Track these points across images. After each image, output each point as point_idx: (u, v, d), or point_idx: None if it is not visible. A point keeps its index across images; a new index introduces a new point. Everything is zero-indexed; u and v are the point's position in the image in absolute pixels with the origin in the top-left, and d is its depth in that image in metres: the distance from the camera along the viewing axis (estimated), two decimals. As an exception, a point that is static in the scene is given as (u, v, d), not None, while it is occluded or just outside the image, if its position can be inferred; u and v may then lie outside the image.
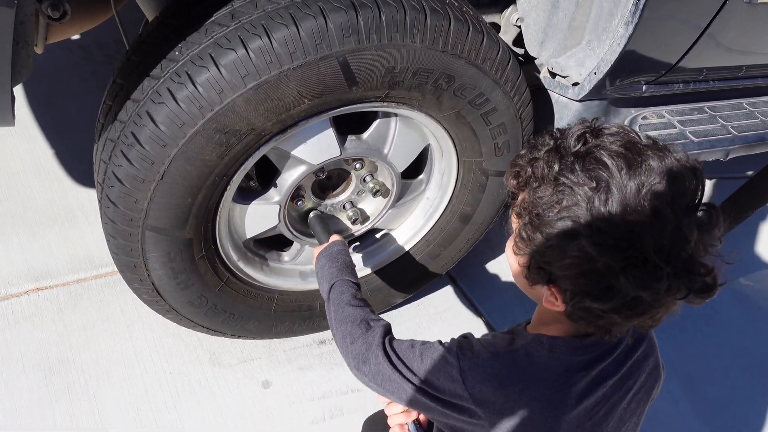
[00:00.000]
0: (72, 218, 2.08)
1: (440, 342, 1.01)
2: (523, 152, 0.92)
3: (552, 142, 0.87)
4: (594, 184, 0.79)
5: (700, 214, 0.80)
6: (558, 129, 0.90)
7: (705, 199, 0.83)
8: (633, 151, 0.81)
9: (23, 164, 2.21)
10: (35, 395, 1.65)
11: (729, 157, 1.93)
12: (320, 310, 1.84)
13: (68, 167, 2.22)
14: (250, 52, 1.17)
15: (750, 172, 3.00)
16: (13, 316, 1.80)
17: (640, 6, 1.46)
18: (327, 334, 1.98)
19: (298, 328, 1.86)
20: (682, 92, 1.87)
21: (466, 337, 1.02)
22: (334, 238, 1.41)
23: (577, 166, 0.82)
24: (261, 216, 1.54)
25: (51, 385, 1.68)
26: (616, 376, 0.96)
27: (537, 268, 0.87)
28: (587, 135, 0.85)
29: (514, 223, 0.93)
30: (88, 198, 2.14)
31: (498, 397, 0.92)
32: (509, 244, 0.94)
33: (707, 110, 2.00)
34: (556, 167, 0.83)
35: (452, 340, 1.01)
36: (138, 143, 1.22)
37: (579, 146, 0.84)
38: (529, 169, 0.88)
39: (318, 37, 1.20)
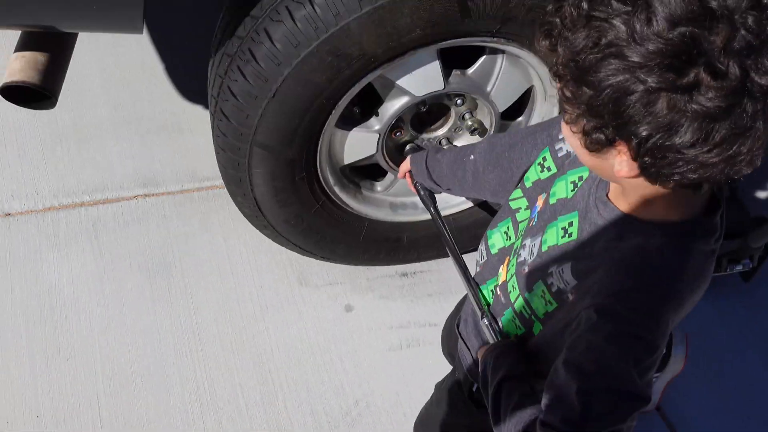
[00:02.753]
0: (179, 130, 2.19)
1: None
2: (549, 8, 0.77)
3: None
4: (629, 8, 0.67)
5: (764, 9, 0.68)
6: None
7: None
8: None
9: (137, 75, 2.32)
10: (140, 292, 1.80)
11: None
12: (406, 243, 1.89)
13: (177, 81, 2.32)
14: (370, -25, 1.19)
15: None
16: (123, 217, 1.94)
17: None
18: (409, 267, 2.02)
19: (383, 258, 1.91)
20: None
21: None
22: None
23: (606, 2, 0.69)
24: (360, 143, 1.58)
25: (154, 285, 1.82)
26: None
27: (593, 128, 0.74)
28: None
29: (557, 89, 0.78)
30: (193, 113, 2.24)
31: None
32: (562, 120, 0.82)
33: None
34: (585, 5, 0.71)
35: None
36: (254, 60, 1.27)
37: None
38: (557, 20, 0.74)
39: (437, -35, 1.20)
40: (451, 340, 1.57)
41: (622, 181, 0.83)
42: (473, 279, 1.23)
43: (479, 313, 1.15)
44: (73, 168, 2.02)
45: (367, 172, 1.78)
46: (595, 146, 0.76)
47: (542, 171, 1.08)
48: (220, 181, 1.64)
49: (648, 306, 0.82)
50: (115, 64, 2.33)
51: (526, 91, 1.65)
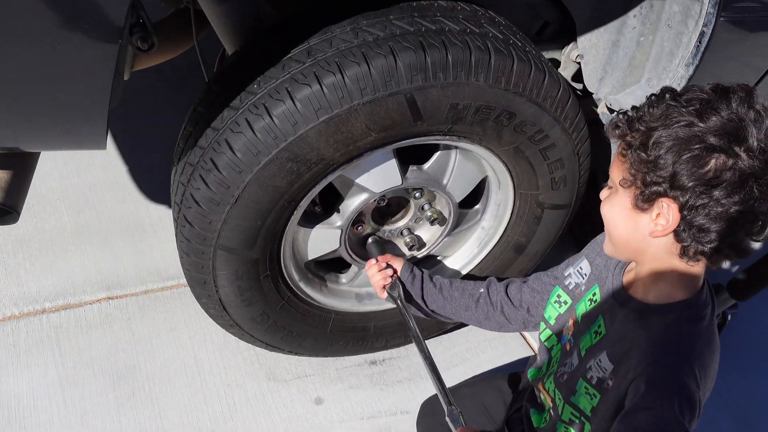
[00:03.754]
0: (142, 231, 2.20)
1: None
2: (618, 117, 1.03)
3: (644, 101, 1.00)
4: (698, 106, 0.93)
5: None
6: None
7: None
8: (720, 88, 0.96)
9: (99, 178, 2.35)
10: (103, 398, 1.76)
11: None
12: (374, 332, 1.90)
13: (140, 183, 2.35)
14: (324, 88, 1.25)
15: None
16: (86, 322, 1.92)
17: (702, 48, 1.49)
18: (378, 355, 2.03)
19: (351, 348, 1.91)
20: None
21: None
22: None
23: (679, 100, 0.95)
24: (323, 239, 1.61)
25: (118, 390, 1.78)
26: None
27: (652, 183, 0.95)
28: (670, 91, 0.98)
29: (619, 164, 1.02)
30: (156, 213, 2.26)
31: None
32: (608, 200, 1.05)
33: None
34: (659, 105, 0.96)
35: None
36: (216, 168, 1.31)
37: (670, 95, 0.97)
38: (632, 113, 0.99)
39: (387, 75, 1.27)
40: (429, 425, 1.57)
41: (648, 250, 1.02)
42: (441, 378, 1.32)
43: (445, 407, 1.21)
44: (35, 274, 2.00)
45: (331, 265, 1.80)
46: (650, 198, 0.97)
47: (560, 306, 1.27)
48: (185, 280, 1.65)
49: (682, 364, 0.99)
50: (76, 167, 2.35)
51: (481, 181, 1.72)
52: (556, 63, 1.85)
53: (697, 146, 0.90)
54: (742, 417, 2.13)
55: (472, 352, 2.11)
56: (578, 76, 1.80)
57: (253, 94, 1.29)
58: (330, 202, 1.60)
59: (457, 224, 1.78)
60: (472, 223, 1.82)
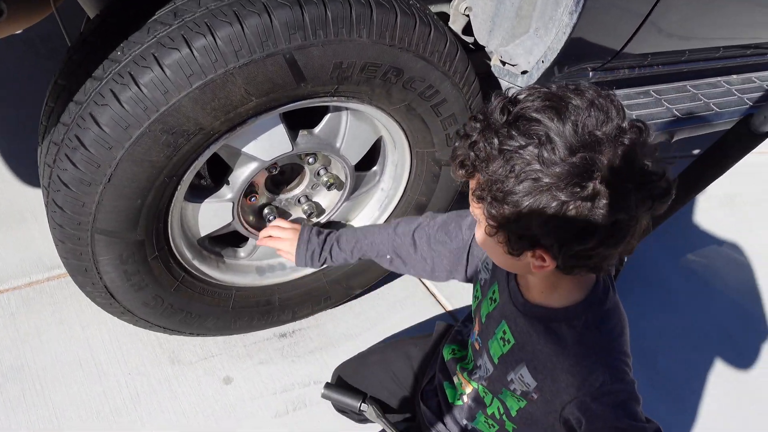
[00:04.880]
0: (21, 219, 2.03)
1: None
2: (457, 143, 0.94)
3: (480, 124, 0.90)
4: (536, 141, 0.83)
5: (632, 129, 0.85)
6: (478, 112, 0.93)
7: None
8: (554, 99, 0.86)
9: (-33, 166, 2.15)
10: (-11, 403, 1.63)
11: (675, 139, 1.98)
12: (279, 305, 1.84)
13: (14, 167, 2.17)
14: (195, 52, 1.16)
15: (696, 151, 3.09)
16: (-38, 323, 1.77)
17: (584, -5, 1.49)
18: (287, 327, 1.98)
19: (257, 323, 1.85)
20: (628, 77, 1.92)
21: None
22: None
23: (513, 132, 0.85)
24: (214, 214, 1.53)
25: (5, 393, 1.65)
26: None
27: (517, 237, 0.89)
28: (508, 105, 0.88)
29: (477, 209, 0.94)
30: (36, 198, 2.10)
31: None
32: (479, 231, 0.97)
33: (653, 94, 2.06)
34: (496, 141, 0.86)
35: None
36: (82, 146, 1.20)
37: (506, 116, 0.87)
38: (472, 153, 0.90)
39: (263, 35, 1.19)
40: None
41: (536, 273, 0.97)
42: None
43: None
44: None
45: (227, 240, 1.72)
46: (518, 251, 0.91)
47: (474, 300, 1.25)
48: (70, 269, 1.53)
49: (613, 372, 0.97)
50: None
51: (376, 142, 1.68)
52: (446, 16, 1.81)
53: (554, 204, 0.82)
54: (641, 350, 2.23)
55: (383, 315, 2.10)
56: (469, 29, 1.77)
57: (117, 62, 1.18)
58: (218, 173, 1.52)
59: (355, 188, 1.73)
60: (371, 186, 1.78)
